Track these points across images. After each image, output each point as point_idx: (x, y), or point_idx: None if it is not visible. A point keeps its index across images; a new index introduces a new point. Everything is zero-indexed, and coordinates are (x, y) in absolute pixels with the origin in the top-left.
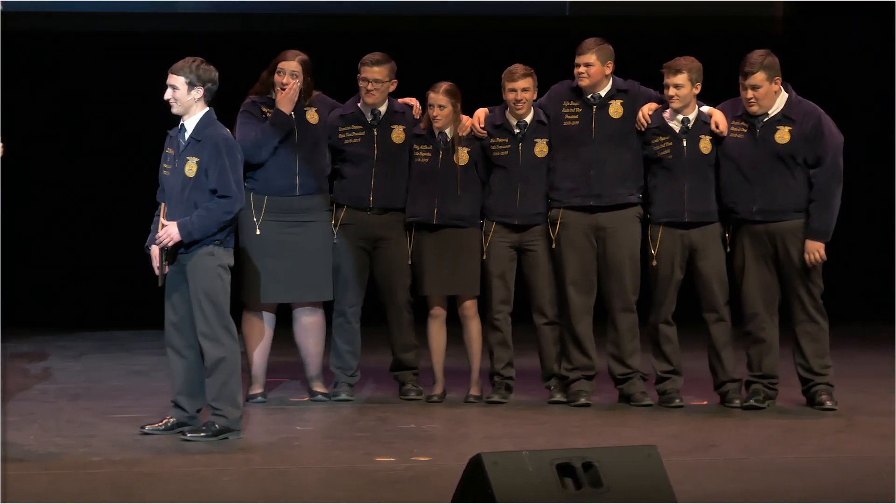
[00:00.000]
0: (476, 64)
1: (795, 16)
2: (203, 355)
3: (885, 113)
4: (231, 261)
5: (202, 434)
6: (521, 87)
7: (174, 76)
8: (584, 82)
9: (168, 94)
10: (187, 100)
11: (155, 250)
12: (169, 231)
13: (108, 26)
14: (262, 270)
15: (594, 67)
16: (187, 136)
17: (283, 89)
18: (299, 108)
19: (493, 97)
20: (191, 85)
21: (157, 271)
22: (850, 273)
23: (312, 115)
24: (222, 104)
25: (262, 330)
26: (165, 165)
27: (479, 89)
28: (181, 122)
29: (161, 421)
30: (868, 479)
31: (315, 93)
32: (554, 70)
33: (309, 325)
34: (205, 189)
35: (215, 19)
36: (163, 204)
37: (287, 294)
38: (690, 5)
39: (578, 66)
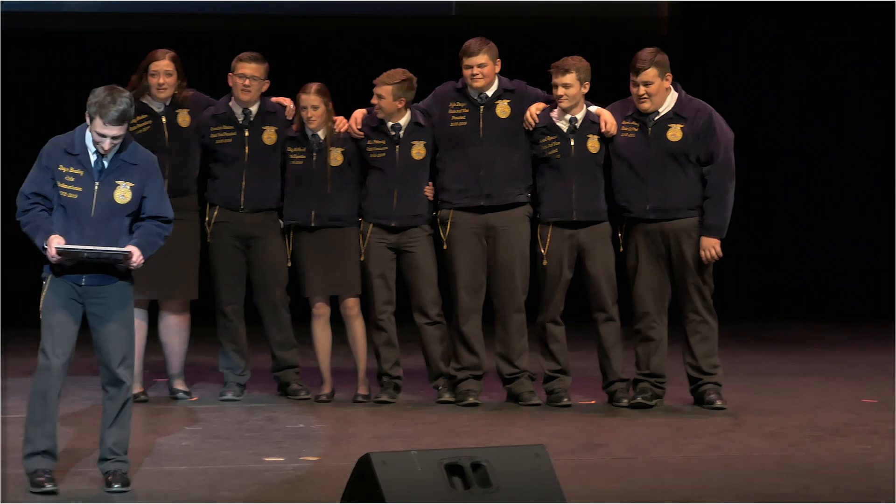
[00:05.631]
0: (362, 65)
1: (680, 16)
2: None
3: (769, 110)
4: None
5: (126, 489)
6: (376, 92)
7: (116, 128)
8: (479, 83)
9: (110, 146)
10: None
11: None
12: (139, 255)
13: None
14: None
15: (487, 67)
16: (110, 157)
17: (160, 90)
18: (171, 110)
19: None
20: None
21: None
22: (739, 272)
23: (184, 118)
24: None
25: (138, 327)
26: (69, 187)
27: (366, 91)
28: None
29: None
30: (756, 479)
31: (189, 92)
32: (441, 71)
33: (175, 324)
34: (134, 215)
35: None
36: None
37: (153, 291)
38: (576, 5)
39: (471, 67)
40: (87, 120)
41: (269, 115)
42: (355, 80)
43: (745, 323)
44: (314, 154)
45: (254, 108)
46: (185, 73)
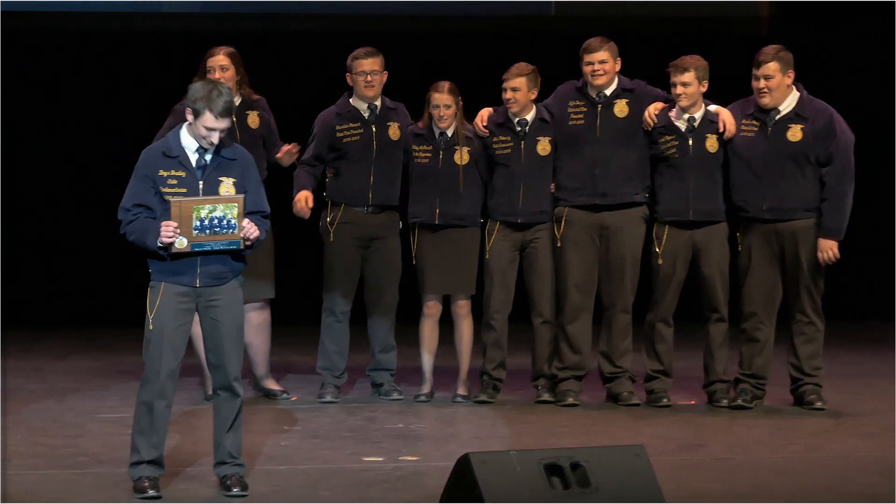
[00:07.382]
0: (462, 64)
1: (780, 15)
2: (221, 404)
3: (872, 112)
4: None
5: (245, 493)
6: (510, 86)
7: (226, 120)
8: (600, 80)
9: (218, 139)
10: None
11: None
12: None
13: (107, 26)
14: None
15: (608, 64)
16: (210, 154)
17: None
18: (241, 110)
19: (479, 98)
20: None
21: (177, 237)
22: (840, 273)
23: (254, 119)
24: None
25: None
26: (172, 191)
27: (464, 90)
28: (182, 142)
29: None
30: (854, 479)
31: (256, 96)
32: (540, 71)
33: (257, 324)
34: None
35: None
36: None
37: None
38: (674, 5)
39: (591, 64)
40: (190, 117)
41: (390, 110)
42: (454, 80)
43: (845, 323)
44: (440, 152)
45: (378, 103)
46: (246, 69)
